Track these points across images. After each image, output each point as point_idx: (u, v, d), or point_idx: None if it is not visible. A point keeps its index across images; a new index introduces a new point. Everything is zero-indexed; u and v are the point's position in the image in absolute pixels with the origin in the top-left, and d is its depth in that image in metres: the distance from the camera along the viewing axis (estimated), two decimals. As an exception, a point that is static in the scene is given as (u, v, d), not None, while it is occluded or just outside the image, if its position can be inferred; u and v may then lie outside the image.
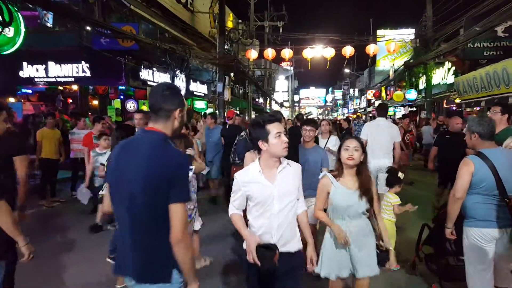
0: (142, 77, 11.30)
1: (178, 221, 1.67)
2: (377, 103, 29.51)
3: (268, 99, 32.14)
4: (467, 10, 10.74)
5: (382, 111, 5.98)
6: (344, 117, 28.89)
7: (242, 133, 5.60)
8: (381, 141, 5.29)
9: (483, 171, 2.67)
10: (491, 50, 9.70)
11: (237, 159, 5.55)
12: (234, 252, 4.74)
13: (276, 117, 2.31)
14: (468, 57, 10.46)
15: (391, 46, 15.17)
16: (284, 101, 43.28)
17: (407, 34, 24.18)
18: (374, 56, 31.10)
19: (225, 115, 12.98)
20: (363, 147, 2.65)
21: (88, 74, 10.39)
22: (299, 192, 2.43)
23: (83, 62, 10.32)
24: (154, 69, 11.94)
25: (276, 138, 2.20)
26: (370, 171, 3.28)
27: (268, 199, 2.26)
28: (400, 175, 4.07)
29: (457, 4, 11.87)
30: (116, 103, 14.07)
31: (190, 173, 3.72)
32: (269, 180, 2.27)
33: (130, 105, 14.12)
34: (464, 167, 2.75)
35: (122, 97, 14.31)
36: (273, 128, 2.21)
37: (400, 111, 25.22)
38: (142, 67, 11.25)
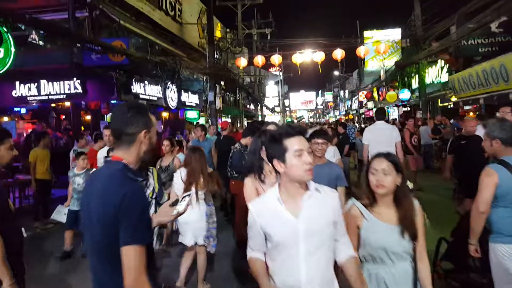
0: (134, 91, 11.09)
1: (128, 268, 1.40)
2: (369, 104, 29.68)
3: (260, 105, 32.06)
4: (457, 8, 10.80)
5: (380, 115, 6.55)
6: (337, 120, 28.99)
7: (236, 145, 5.37)
8: (383, 143, 5.59)
9: (508, 182, 2.45)
10: (486, 47, 9.69)
11: (234, 172, 5.30)
12: (236, 276, 4.44)
13: (297, 129, 1.82)
14: (463, 54, 10.46)
15: (381, 47, 15.20)
16: (275, 106, 43.25)
17: (395, 34, 24.44)
18: (358, 57, 31.67)
19: (219, 125, 12.84)
20: (399, 166, 2.04)
21: (79, 90, 10.19)
22: (338, 230, 1.84)
23: (74, 78, 10.13)
24: (146, 82, 11.74)
25: (295, 158, 1.69)
26: None
27: (290, 239, 1.71)
28: (409, 184, 3.82)
29: (446, 2, 11.94)
30: (109, 118, 13.85)
31: (186, 200, 3.63)
32: (291, 213, 1.73)
33: (122, 119, 13.90)
34: (487, 177, 2.52)
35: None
36: (293, 144, 1.71)
37: (394, 111, 25.28)
38: (133, 80, 11.05)
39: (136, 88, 11.29)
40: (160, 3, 14.39)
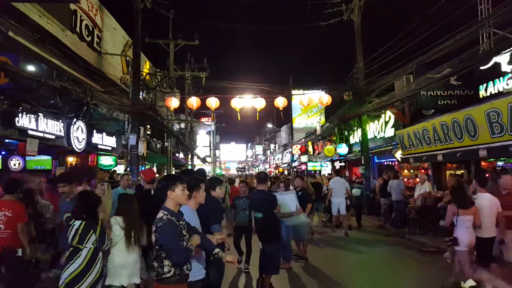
0: (19, 125, 8.25)
1: None
2: (303, 157, 29.17)
3: (190, 154, 29.65)
4: (403, 63, 10.27)
5: (339, 173, 12.26)
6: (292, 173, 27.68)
7: (161, 214, 2.91)
8: (340, 188, 10.20)
9: None
10: (445, 99, 9.03)
11: (163, 267, 2.85)
12: None
13: None
14: (421, 106, 9.75)
15: (324, 98, 14.42)
16: (206, 156, 41.16)
17: (319, 94, 24.75)
18: (290, 112, 32.13)
19: (141, 176, 10.08)
20: None
21: None
22: None
23: None
24: (40, 114, 8.97)
25: None
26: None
27: None
28: None
29: (388, 56, 11.48)
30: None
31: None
32: None
33: (15, 163, 10.80)
34: None
35: (4, 152, 10.85)
36: None
37: (327, 166, 24.68)
38: (20, 110, 8.26)
39: (24, 121, 8.47)
40: (73, 24, 12.00)
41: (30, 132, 8.66)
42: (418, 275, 6.25)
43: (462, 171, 9.92)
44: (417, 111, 10.35)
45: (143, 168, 14.53)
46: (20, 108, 8.28)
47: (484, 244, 4.93)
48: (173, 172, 22.55)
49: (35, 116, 8.81)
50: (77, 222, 3.89)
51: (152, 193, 5.36)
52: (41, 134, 9.14)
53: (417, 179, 10.83)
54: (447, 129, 8.14)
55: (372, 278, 6.43)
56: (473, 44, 8.01)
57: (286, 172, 35.91)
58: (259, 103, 14.46)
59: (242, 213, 6.60)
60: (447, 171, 10.65)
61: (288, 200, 6.25)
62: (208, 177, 5.56)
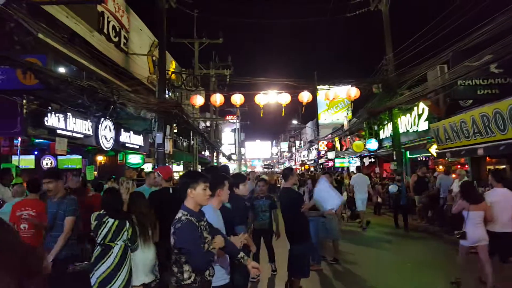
0: (48, 124, 8.38)
1: None
2: (329, 154, 28.55)
3: (216, 152, 29.75)
4: (437, 52, 9.70)
5: (359, 169, 12.23)
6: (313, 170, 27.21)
7: (180, 214, 2.67)
8: (362, 185, 10.80)
9: None
10: (485, 89, 8.42)
11: (182, 273, 2.60)
12: None
13: None
14: (458, 97, 9.17)
15: (352, 92, 13.94)
16: (231, 153, 41.30)
17: (345, 90, 24.17)
18: (316, 107, 31.49)
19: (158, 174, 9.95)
20: None
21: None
22: None
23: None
24: (69, 114, 9.09)
25: None
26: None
27: None
28: None
29: (419, 46, 10.88)
30: (26, 161, 10.85)
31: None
32: None
33: (47, 162, 11.16)
34: None
35: (36, 152, 11.21)
36: None
37: (356, 163, 23.98)
38: (49, 110, 8.40)
39: (53, 120, 8.60)
40: (100, 26, 12.16)
41: (59, 131, 8.79)
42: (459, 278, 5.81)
43: (504, 166, 9.28)
44: (454, 102, 9.75)
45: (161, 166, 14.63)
46: (49, 108, 8.41)
47: (497, 239, 4.94)
48: (199, 169, 22.64)
49: (64, 116, 8.94)
50: (111, 220, 3.89)
51: (171, 191, 4.99)
52: (70, 134, 9.27)
53: (454, 175, 10.24)
54: (488, 121, 7.58)
55: (409, 280, 6.06)
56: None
57: (312, 169, 35.41)
58: (284, 98, 14.20)
59: (262, 214, 6.14)
60: (486, 166, 9.99)
61: (324, 198, 5.67)
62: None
